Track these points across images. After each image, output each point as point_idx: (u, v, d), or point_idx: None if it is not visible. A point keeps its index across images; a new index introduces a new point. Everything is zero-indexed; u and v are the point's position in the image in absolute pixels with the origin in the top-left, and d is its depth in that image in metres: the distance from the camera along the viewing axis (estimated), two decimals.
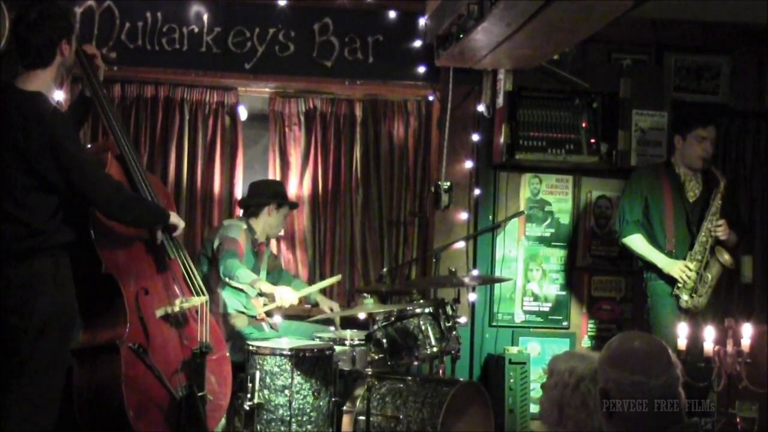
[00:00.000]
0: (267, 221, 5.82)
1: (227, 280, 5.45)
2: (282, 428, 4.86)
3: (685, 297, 5.54)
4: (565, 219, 6.52)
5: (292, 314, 6.27)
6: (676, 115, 6.15)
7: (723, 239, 5.61)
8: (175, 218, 4.50)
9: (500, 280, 6.27)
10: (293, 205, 6.13)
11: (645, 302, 5.83)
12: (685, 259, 5.60)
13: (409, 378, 5.06)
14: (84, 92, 4.45)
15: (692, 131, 5.69)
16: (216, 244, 5.57)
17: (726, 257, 5.60)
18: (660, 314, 5.66)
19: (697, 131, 5.68)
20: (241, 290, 5.62)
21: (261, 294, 5.56)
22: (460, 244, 6.40)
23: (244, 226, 5.72)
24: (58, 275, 3.87)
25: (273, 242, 6.77)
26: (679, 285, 5.56)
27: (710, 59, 6.63)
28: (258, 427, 4.86)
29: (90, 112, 4.62)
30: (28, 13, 4.00)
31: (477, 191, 6.45)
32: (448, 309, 5.15)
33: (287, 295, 5.38)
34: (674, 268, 5.57)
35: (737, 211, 6.02)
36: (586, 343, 6.50)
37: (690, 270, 5.54)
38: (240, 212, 6.17)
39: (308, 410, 4.88)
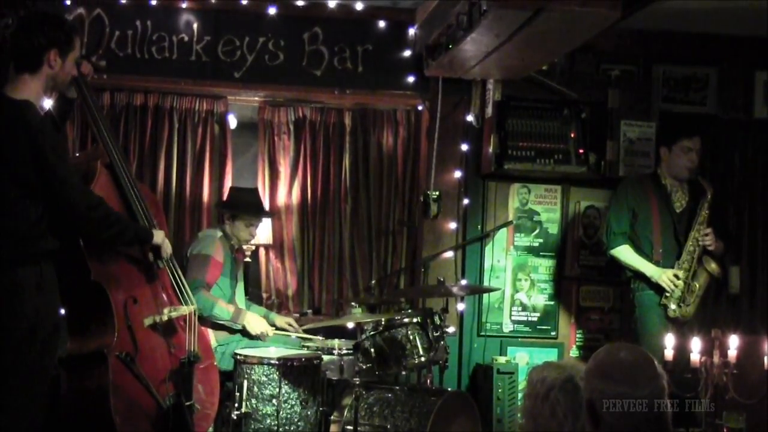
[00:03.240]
0: (230, 231, 5.80)
1: (200, 313, 5.31)
2: None
3: (672, 306, 5.56)
4: (553, 229, 6.53)
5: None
6: (661, 126, 6.16)
7: (711, 249, 5.63)
8: (159, 239, 4.46)
9: (488, 290, 6.28)
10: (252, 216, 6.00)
11: (632, 313, 5.84)
12: (672, 268, 5.62)
13: (397, 387, 5.06)
14: (65, 94, 4.38)
15: (678, 142, 5.71)
16: (187, 258, 5.58)
17: (713, 266, 5.62)
18: (647, 324, 5.67)
19: (683, 142, 5.70)
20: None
21: (243, 331, 5.62)
22: (449, 254, 6.40)
23: (219, 234, 5.72)
24: (42, 283, 3.84)
25: (261, 251, 6.77)
26: (667, 294, 5.58)
27: (698, 70, 6.65)
28: None
29: (71, 110, 4.59)
30: (27, 17, 4.02)
31: (466, 201, 6.46)
32: (437, 319, 5.16)
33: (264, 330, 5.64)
34: (662, 277, 5.58)
35: (724, 221, 6.04)
36: (574, 353, 6.50)
37: (678, 279, 5.56)
38: None
39: (296, 419, 4.88)
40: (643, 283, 5.70)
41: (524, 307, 6.48)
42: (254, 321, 5.64)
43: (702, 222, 5.62)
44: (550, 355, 6.39)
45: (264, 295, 6.75)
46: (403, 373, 5.35)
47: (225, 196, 6.11)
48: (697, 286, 5.59)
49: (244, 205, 5.89)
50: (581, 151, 6.26)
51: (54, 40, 3.97)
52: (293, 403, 4.88)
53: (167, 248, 4.53)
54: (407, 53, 6.46)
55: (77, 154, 6.04)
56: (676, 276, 5.57)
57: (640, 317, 5.73)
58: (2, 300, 3.77)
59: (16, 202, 3.83)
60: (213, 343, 5.47)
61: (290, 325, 5.92)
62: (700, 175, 5.76)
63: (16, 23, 4.15)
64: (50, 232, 3.92)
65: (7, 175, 3.82)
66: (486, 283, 6.38)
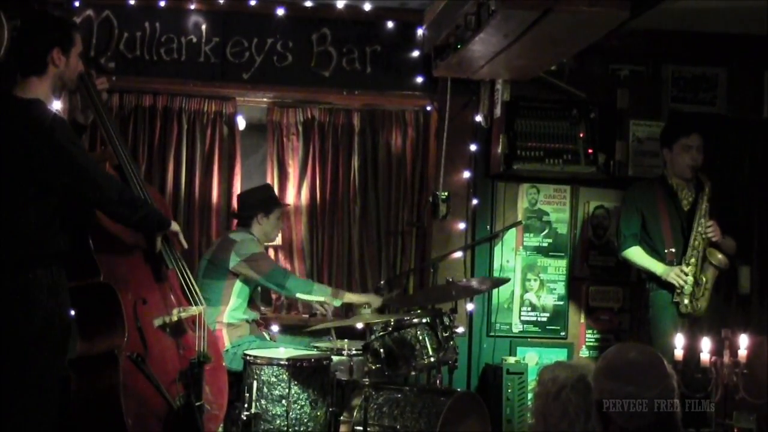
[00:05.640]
0: (261, 230, 5.86)
1: (300, 296, 5.71)
2: None
3: (685, 302, 5.56)
4: (562, 229, 6.53)
5: (290, 325, 6.33)
6: (662, 127, 6.14)
7: (715, 240, 5.64)
8: (175, 227, 4.50)
9: (498, 283, 6.23)
10: (282, 205, 6.16)
11: (647, 313, 5.84)
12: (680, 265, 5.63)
13: (407, 388, 5.06)
14: (76, 119, 4.42)
15: (677, 141, 5.74)
16: (235, 262, 5.62)
17: (719, 257, 5.62)
18: (661, 325, 5.67)
19: (681, 141, 5.72)
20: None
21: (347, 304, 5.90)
22: (458, 254, 6.40)
23: (250, 236, 5.77)
24: (53, 285, 3.85)
25: (271, 252, 6.77)
26: (678, 291, 5.58)
27: (707, 70, 6.63)
28: None
29: (81, 137, 4.63)
30: (26, 21, 4.05)
31: (475, 201, 6.46)
32: (446, 319, 5.15)
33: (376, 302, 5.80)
34: (671, 274, 5.59)
35: (735, 218, 6.03)
36: (584, 353, 6.49)
37: (685, 274, 5.56)
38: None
39: (305, 420, 4.88)
40: (656, 283, 5.70)
41: (534, 308, 6.48)
42: (355, 295, 5.91)
43: (704, 215, 5.63)
44: (560, 355, 6.39)
45: (273, 296, 6.75)
46: (413, 373, 5.35)
47: (247, 201, 6.05)
48: (704, 279, 5.60)
49: (275, 199, 6.05)
50: (590, 151, 6.25)
51: (54, 39, 4.00)
52: (303, 403, 4.88)
53: (183, 240, 4.57)
54: (416, 54, 6.47)
55: None
56: (683, 271, 5.57)
57: (653, 317, 5.73)
58: (15, 301, 3.78)
59: (29, 204, 3.85)
60: (226, 344, 5.50)
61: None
62: (700, 171, 5.75)
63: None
64: (61, 233, 3.94)
65: (21, 175, 3.83)
66: None
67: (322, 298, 5.68)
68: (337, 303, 5.75)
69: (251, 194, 6.07)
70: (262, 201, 5.94)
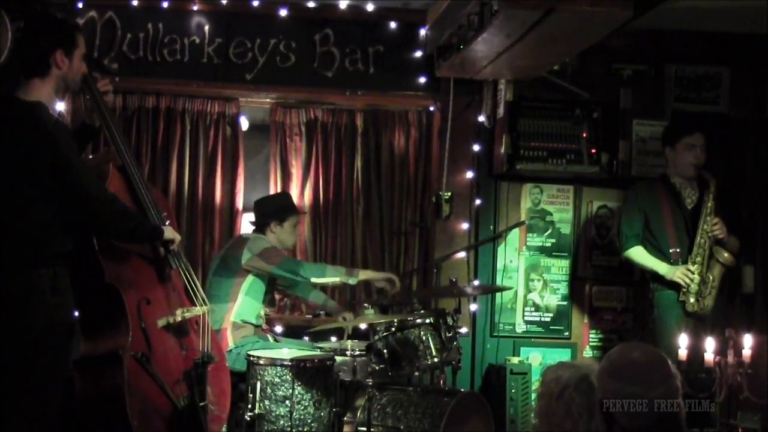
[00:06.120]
0: (276, 238, 5.82)
1: (316, 280, 5.66)
2: None
3: (691, 300, 5.55)
4: (566, 229, 6.53)
5: (294, 325, 6.32)
6: (664, 127, 6.14)
7: (721, 238, 5.63)
8: (169, 233, 4.47)
9: (500, 289, 6.27)
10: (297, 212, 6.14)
11: (651, 313, 5.83)
12: (685, 264, 5.62)
13: (410, 388, 5.05)
14: (86, 122, 4.45)
15: (680, 140, 5.74)
16: (247, 257, 5.58)
17: (725, 255, 5.62)
18: (666, 324, 5.66)
19: (685, 139, 5.73)
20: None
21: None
22: (461, 254, 6.40)
23: (263, 236, 5.77)
24: (56, 285, 3.85)
25: None
26: (684, 289, 5.57)
27: (710, 69, 6.62)
28: None
29: (90, 141, 4.64)
30: (29, 22, 4.06)
31: (478, 201, 6.46)
32: (449, 319, 5.15)
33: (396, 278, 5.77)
34: (676, 273, 5.58)
35: (738, 220, 6.02)
36: (587, 353, 6.49)
37: (692, 273, 5.55)
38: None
39: (309, 421, 4.88)
40: (661, 283, 5.69)
41: (537, 308, 6.48)
42: (372, 272, 5.93)
43: (709, 213, 5.63)
44: (564, 355, 6.39)
45: (277, 297, 6.75)
46: (416, 373, 5.33)
47: (261, 209, 6.03)
48: (711, 277, 5.60)
49: (288, 207, 5.96)
50: (593, 151, 6.24)
51: (57, 41, 4.00)
52: (306, 404, 4.88)
53: (177, 238, 4.56)
54: (418, 54, 6.47)
55: (90, 157, 6.05)
56: (689, 270, 5.56)
57: (658, 317, 5.72)
58: (17, 302, 3.77)
59: (31, 204, 3.84)
60: (230, 344, 5.49)
61: (344, 319, 5.97)
62: (704, 169, 5.75)
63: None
64: (64, 233, 3.94)
65: (22, 176, 3.83)
66: (498, 284, 6.38)
67: (336, 279, 5.64)
68: (353, 281, 5.67)
69: (266, 202, 6.02)
70: (275, 210, 5.88)
